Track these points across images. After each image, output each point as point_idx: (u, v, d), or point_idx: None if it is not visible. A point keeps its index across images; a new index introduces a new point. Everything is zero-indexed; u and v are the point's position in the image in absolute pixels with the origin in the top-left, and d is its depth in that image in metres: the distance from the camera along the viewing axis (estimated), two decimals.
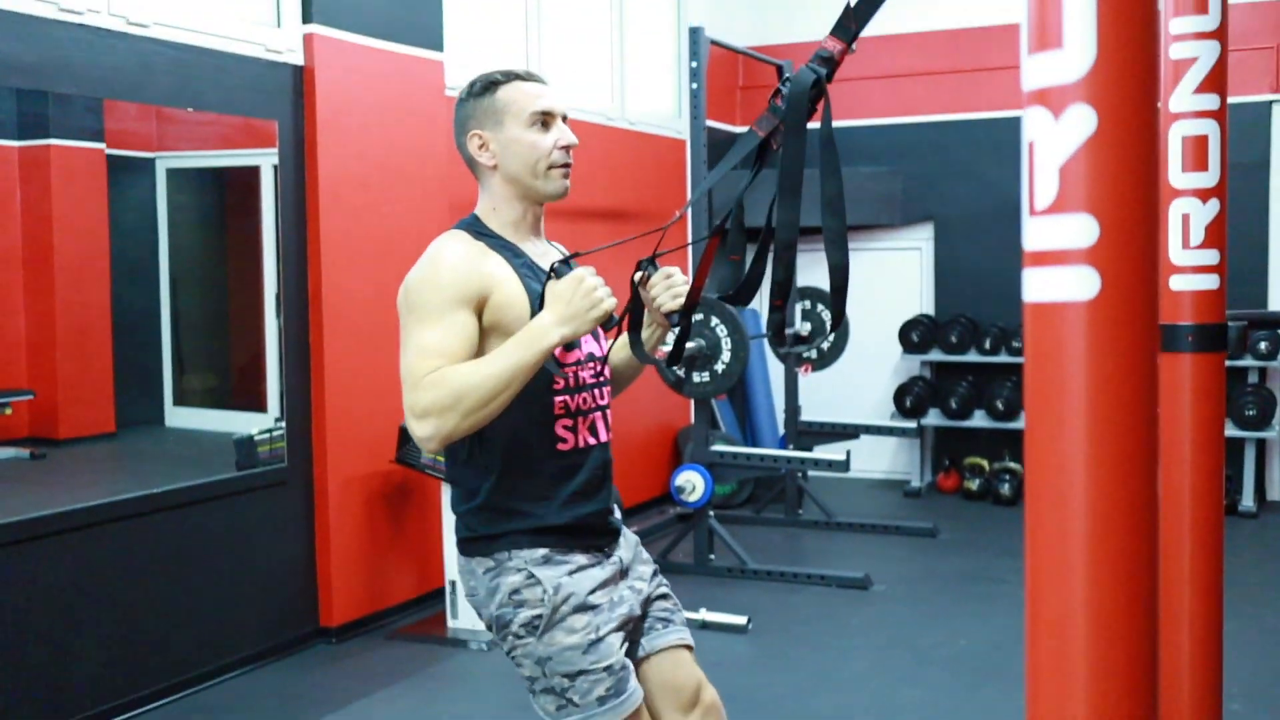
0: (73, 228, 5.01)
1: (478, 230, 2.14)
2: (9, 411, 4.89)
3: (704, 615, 4.81)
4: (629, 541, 2.32)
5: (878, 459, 7.98)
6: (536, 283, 2.10)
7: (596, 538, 2.19)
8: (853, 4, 1.93)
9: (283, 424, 4.60)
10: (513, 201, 2.15)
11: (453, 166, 5.18)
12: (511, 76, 2.16)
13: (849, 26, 1.94)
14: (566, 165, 2.15)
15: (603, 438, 2.21)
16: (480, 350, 2.05)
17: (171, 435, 5.36)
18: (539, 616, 2.08)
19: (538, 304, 2.05)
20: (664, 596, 2.32)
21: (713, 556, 5.69)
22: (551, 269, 2.07)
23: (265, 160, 4.68)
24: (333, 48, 4.62)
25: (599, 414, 2.20)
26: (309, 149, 4.58)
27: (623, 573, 2.24)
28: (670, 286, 2.24)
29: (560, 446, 2.13)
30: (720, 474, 5.83)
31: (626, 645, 2.17)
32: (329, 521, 4.66)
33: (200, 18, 4.22)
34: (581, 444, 2.16)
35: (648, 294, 2.24)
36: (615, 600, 2.16)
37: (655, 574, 2.33)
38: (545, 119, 2.13)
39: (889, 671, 4.35)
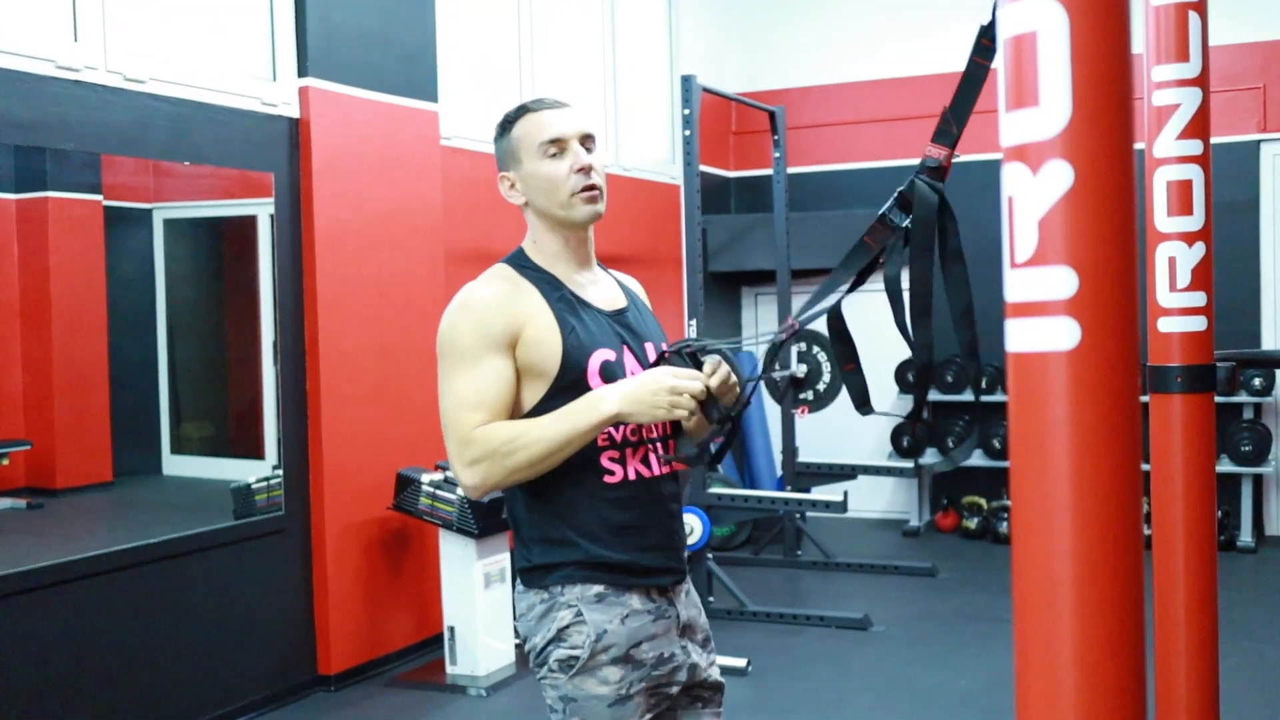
0: (70, 279, 5.03)
1: (520, 264, 2.12)
2: (6, 462, 4.89)
3: None
4: (692, 600, 2.22)
5: (876, 499, 7.98)
6: (573, 316, 2.06)
7: (654, 576, 2.11)
8: (948, 108, 1.84)
9: (280, 472, 4.61)
10: (550, 234, 2.12)
11: (448, 215, 5.23)
12: (524, 111, 2.13)
13: (950, 131, 1.86)
14: (590, 188, 2.08)
15: (657, 470, 2.12)
16: (518, 390, 2.04)
17: (169, 484, 5.35)
18: (575, 658, 2.04)
19: (572, 337, 2.04)
20: (716, 686, 2.23)
21: (711, 598, 5.68)
22: (662, 354, 2.08)
23: (262, 210, 4.72)
24: (327, 100, 4.67)
25: (651, 446, 2.12)
26: (305, 199, 4.62)
27: (681, 630, 2.15)
28: (732, 387, 2.09)
29: (608, 479, 2.06)
30: (718, 516, 5.83)
31: (654, 711, 2.09)
32: (327, 569, 4.65)
33: (197, 73, 4.27)
34: (632, 476, 2.08)
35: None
36: (661, 658, 2.10)
37: (707, 643, 2.23)
38: (557, 146, 2.08)
39: (890, 712, 4.34)
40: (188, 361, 5.47)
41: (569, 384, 2.03)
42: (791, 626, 5.44)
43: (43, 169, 4.84)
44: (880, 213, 1.90)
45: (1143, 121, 2.09)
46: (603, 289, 2.17)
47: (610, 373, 2.05)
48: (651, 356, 2.14)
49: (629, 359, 2.10)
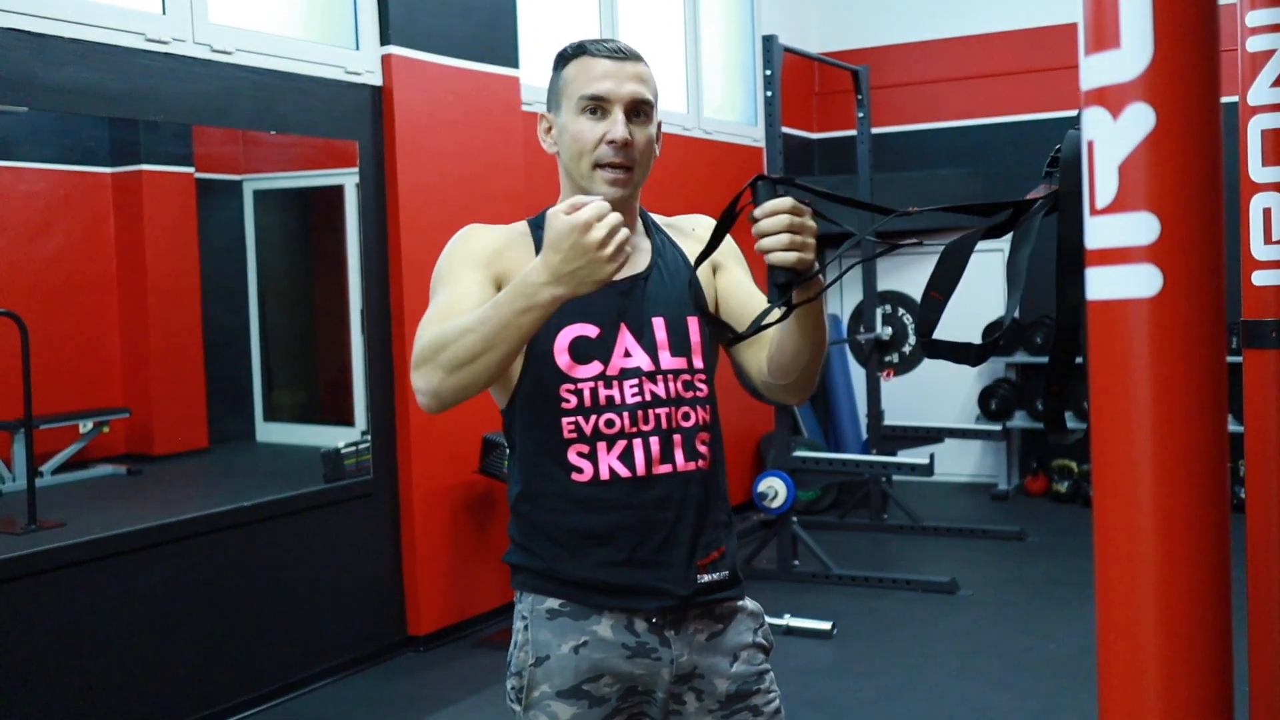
0: (164, 249, 5.16)
1: (537, 224, 1.82)
2: (107, 429, 5.04)
3: (788, 621, 4.81)
4: (720, 645, 1.80)
5: (963, 462, 7.90)
6: None
7: (630, 598, 1.75)
8: None
9: (369, 437, 4.69)
10: (572, 195, 1.76)
11: (530, 180, 5.24)
12: (580, 51, 1.81)
13: None
14: (616, 166, 1.75)
15: (642, 470, 1.74)
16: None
17: (262, 450, 5.49)
18: (518, 689, 1.80)
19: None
20: None
21: (796, 562, 5.68)
22: (731, 208, 1.61)
23: (348, 180, 4.78)
24: (410, 68, 4.70)
25: (640, 440, 1.74)
26: (389, 168, 4.67)
27: (678, 677, 1.77)
28: (787, 228, 1.58)
29: (575, 477, 1.74)
30: (803, 479, 5.81)
31: None
32: (415, 532, 4.73)
33: (281, 43, 4.33)
34: (605, 475, 1.73)
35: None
36: (633, 690, 1.77)
37: (737, 703, 1.79)
38: (598, 105, 1.75)
39: (977, 676, 4.30)
40: (279, 330, 5.58)
41: (536, 357, 1.76)
42: (877, 590, 5.42)
43: (136, 142, 4.95)
44: (1045, 171, 1.53)
45: (1236, 70, 2.02)
46: (641, 257, 1.84)
47: (583, 352, 1.75)
48: (660, 334, 1.78)
49: (624, 336, 1.77)
